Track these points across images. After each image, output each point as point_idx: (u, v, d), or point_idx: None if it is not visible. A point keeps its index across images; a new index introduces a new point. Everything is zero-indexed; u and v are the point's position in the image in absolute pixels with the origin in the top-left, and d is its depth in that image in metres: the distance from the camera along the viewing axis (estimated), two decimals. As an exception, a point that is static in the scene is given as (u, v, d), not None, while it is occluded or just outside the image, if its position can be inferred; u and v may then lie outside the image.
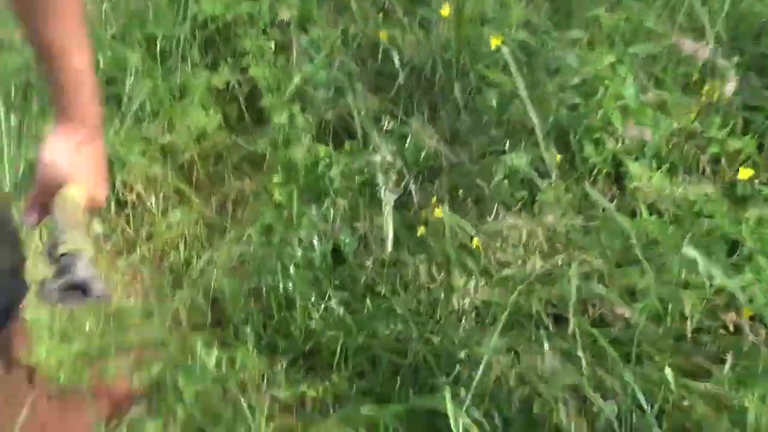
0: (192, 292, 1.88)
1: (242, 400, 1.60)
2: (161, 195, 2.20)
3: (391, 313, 1.62)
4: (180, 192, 2.21)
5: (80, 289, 0.91)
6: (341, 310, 1.66)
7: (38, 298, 0.91)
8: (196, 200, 2.21)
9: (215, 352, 1.63)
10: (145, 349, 1.76)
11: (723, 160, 1.58)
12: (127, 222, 2.18)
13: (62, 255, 0.94)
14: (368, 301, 1.66)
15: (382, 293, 1.65)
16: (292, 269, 1.75)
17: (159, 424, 1.51)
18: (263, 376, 1.76)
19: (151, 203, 2.19)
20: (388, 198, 1.54)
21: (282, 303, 1.77)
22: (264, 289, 1.85)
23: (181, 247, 2.13)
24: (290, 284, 1.75)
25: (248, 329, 1.82)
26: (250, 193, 2.20)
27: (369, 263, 1.70)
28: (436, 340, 1.50)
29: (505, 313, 1.31)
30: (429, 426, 1.50)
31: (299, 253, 1.77)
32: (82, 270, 0.92)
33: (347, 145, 2.07)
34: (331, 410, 1.63)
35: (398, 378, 1.57)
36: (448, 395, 1.25)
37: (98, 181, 1.09)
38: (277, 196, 2.09)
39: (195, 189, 2.24)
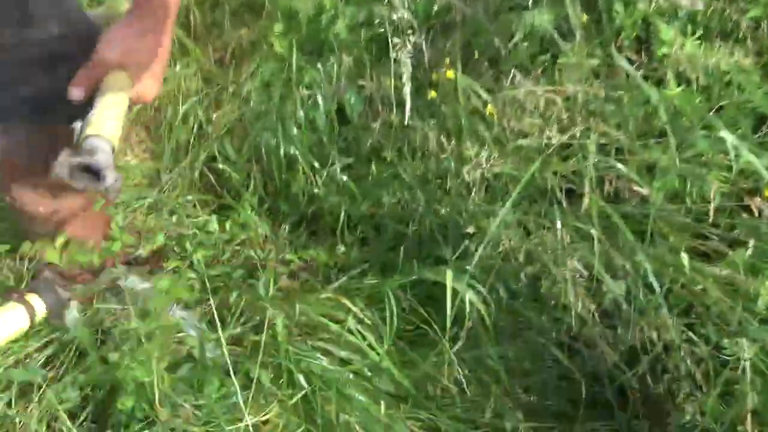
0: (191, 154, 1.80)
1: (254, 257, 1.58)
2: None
3: (397, 180, 1.56)
4: (177, 41, 2.08)
5: (94, 173, 0.90)
6: (345, 176, 1.59)
7: (50, 170, 0.90)
8: (195, 48, 2.07)
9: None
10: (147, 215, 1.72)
11: (764, 25, 1.45)
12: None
13: (88, 136, 0.92)
14: (373, 166, 1.59)
15: (388, 159, 1.57)
16: (294, 130, 1.66)
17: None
18: (266, 237, 1.73)
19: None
20: (404, 59, 1.41)
21: (283, 165, 1.70)
22: (264, 150, 1.78)
23: (180, 100, 2.03)
24: (292, 146, 1.67)
25: (249, 191, 1.77)
26: (248, 44, 2.06)
27: (375, 126, 1.61)
28: (443, 210, 1.44)
29: (518, 187, 1.23)
30: (433, 298, 1.48)
31: (301, 112, 1.67)
32: (102, 157, 0.90)
33: (353, -6, 1.92)
34: (333, 278, 1.61)
35: (402, 248, 1.53)
36: (449, 270, 1.21)
37: (152, 77, 1.05)
38: (278, 47, 1.96)
39: (192, 39, 2.10)
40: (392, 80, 1.57)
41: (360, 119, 1.67)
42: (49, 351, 1.46)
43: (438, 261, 1.45)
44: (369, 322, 1.48)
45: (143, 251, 1.46)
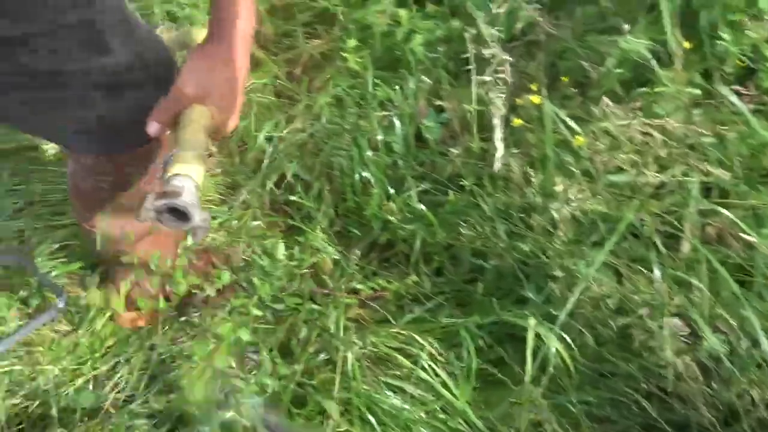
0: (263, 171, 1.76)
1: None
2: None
3: (476, 210, 1.48)
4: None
5: (181, 213, 0.89)
6: (421, 203, 1.53)
7: (136, 214, 0.90)
8: (266, 59, 2.03)
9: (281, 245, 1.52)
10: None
11: None
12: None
13: (173, 175, 0.91)
14: (451, 194, 1.51)
15: (467, 187, 1.50)
16: (368, 151, 1.60)
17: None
18: (336, 263, 1.68)
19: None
20: (491, 80, 1.33)
21: (356, 188, 1.65)
22: (336, 170, 1.72)
23: (252, 113, 1.99)
24: (366, 168, 1.61)
25: (320, 213, 1.72)
26: (321, 57, 2.01)
27: (455, 152, 1.54)
28: (526, 247, 1.36)
29: (616, 232, 1.14)
30: (510, 337, 1.41)
31: (380, 134, 1.60)
32: (187, 197, 0.89)
33: (431, 8, 1.84)
34: (406, 309, 1.55)
35: (480, 283, 1.45)
36: (532, 318, 1.12)
37: (230, 110, 1.02)
38: (351, 62, 1.90)
39: (263, 49, 2.06)
40: (473, 103, 1.49)
41: (438, 144, 1.60)
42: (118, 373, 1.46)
43: (518, 300, 1.37)
44: (443, 359, 1.42)
45: (210, 291, 1.42)
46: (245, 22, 1.00)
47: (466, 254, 1.50)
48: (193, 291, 1.43)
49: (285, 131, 1.86)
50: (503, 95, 1.33)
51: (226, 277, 1.40)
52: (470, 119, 1.55)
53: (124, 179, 1.28)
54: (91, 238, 1.41)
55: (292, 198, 1.72)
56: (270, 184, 1.76)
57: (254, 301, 1.36)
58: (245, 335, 1.25)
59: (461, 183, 1.51)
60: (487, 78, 1.47)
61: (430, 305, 1.52)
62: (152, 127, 1.01)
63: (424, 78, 1.60)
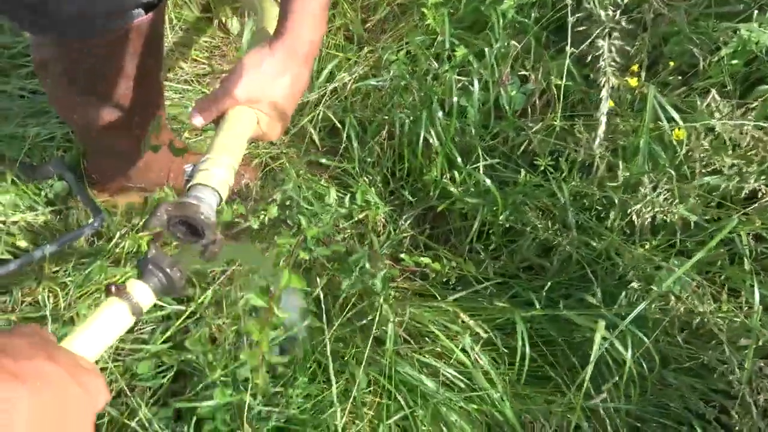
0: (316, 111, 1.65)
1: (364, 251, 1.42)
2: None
3: (547, 195, 1.36)
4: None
5: (194, 229, 0.80)
6: (488, 178, 1.41)
7: (148, 217, 0.81)
8: (342, 1, 1.91)
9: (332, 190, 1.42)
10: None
11: None
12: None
13: (197, 185, 0.83)
14: (522, 173, 1.39)
15: (542, 167, 1.37)
16: (439, 114, 1.48)
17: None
18: (384, 225, 1.58)
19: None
20: (606, 55, 1.19)
21: (418, 150, 1.53)
22: (398, 128, 1.61)
23: (319, 53, 1.88)
24: (433, 132, 1.49)
25: (375, 169, 1.61)
26: (399, 10, 1.88)
27: (534, 127, 1.41)
28: (597, 245, 1.24)
29: (707, 246, 1.02)
30: (562, 334, 1.30)
31: (455, 97, 1.48)
32: (204, 213, 0.79)
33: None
34: (452, 286, 1.44)
35: (539, 274, 1.34)
36: (601, 321, 1.01)
37: (280, 119, 0.97)
38: (429, 18, 1.77)
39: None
40: (564, 77, 1.36)
41: (515, 116, 1.47)
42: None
43: (582, 301, 1.26)
44: (488, 345, 1.32)
45: (254, 224, 1.33)
46: (314, 32, 0.94)
47: (527, 240, 1.39)
48: (237, 221, 1.34)
49: (349, 77, 1.75)
50: (613, 66, 1.19)
51: (274, 211, 1.31)
52: (555, 94, 1.42)
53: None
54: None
55: (349, 144, 1.61)
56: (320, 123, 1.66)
57: (300, 242, 1.26)
58: (297, 282, 1.15)
59: (535, 162, 1.38)
60: (605, 54, 1.32)
61: (478, 287, 1.41)
62: (195, 118, 0.96)
63: (514, 43, 1.46)
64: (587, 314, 1.18)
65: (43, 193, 1.51)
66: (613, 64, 1.17)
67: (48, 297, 1.35)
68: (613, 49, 1.16)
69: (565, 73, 1.34)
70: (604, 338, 1.14)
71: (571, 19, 1.32)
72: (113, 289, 0.72)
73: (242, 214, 1.34)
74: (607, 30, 1.18)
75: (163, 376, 1.28)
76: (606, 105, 1.13)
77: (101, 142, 1.45)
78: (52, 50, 1.19)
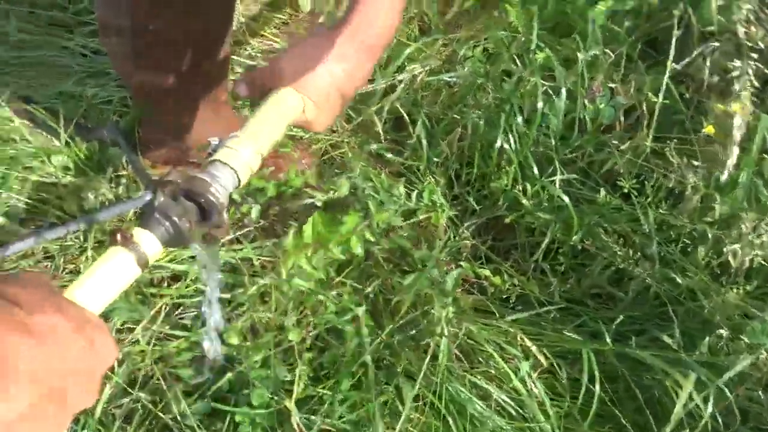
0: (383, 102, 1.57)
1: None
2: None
3: (628, 220, 1.26)
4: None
5: (199, 206, 0.71)
6: (564, 193, 1.31)
7: (155, 181, 0.69)
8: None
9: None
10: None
11: None
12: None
13: (217, 161, 0.75)
14: (602, 192, 1.30)
15: (625, 190, 1.27)
16: (518, 120, 1.39)
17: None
18: (446, 230, 1.49)
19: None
20: (741, 86, 1.09)
21: (490, 156, 1.44)
22: (469, 129, 1.52)
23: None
24: (509, 138, 1.40)
25: (441, 169, 1.53)
26: (481, 3, 1.79)
27: (619, 146, 1.31)
28: (682, 283, 1.14)
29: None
30: (634, 379, 1.20)
31: (539, 103, 1.38)
32: (217, 190, 0.71)
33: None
34: (511, 304, 1.36)
35: (610, 304, 1.25)
36: (690, 379, 0.91)
37: (330, 111, 0.88)
38: (512, 15, 1.68)
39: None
40: (661, 94, 1.26)
41: (600, 131, 1.37)
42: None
43: (655, 338, 1.16)
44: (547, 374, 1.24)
45: (320, 198, 1.25)
46: (387, 22, 0.84)
47: (598, 266, 1.30)
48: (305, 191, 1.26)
49: (420, 69, 1.66)
50: (750, 90, 1.09)
51: (345, 188, 1.23)
52: (645, 111, 1.32)
53: None
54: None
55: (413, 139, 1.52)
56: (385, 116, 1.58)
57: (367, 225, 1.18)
58: (357, 247, 1.08)
59: (618, 183, 1.29)
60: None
61: (540, 310, 1.32)
62: (239, 87, 0.90)
63: (608, 51, 1.36)
64: (661, 355, 1.09)
65: (95, 158, 1.45)
66: (749, 87, 1.07)
67: (90, 268, 1.29)
68: (750, 71, 1.06)
69: (663, 90, 1.24)
70: (679, 385, 1.05)
71: (677, 32, 1.22)
72: (119, 237, 0.64)
73: (311, 184, 1.27)
74: (744, 49, 1.08)
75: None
76: (738, 133, 1.02)
77: (158, 110, 1.39)
78: (119, 9, 1.12)
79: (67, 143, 1.43)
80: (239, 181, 0.76)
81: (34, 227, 1.36)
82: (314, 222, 1.10)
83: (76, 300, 0.59)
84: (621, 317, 1.21)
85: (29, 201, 1.37)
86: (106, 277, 0.62)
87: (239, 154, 0.76)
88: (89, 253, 1.27)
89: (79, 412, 0.52)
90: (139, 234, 0.66)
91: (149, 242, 0.66)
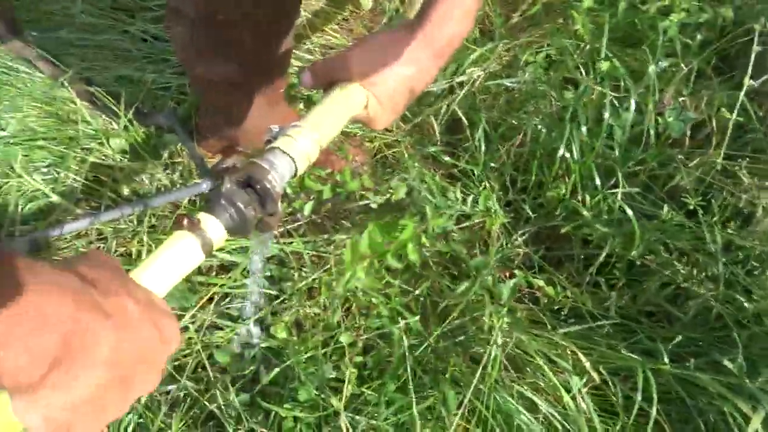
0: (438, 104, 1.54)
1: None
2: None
3: (694, 237, 1.22)
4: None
5: (256, 193, 0.69)
6: (627, 207, 1.27)
7: (216, 164, 0.68)
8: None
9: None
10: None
11: None
12: None
13: (276, 148, 0.73)
14: (665, 208, 1.26)
15: (691, 207, 1.23)
16: (582, 130, 1.35)
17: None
18: (498, 236, 1.46)
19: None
20: None
21: (547, 163, 1.41)
22: (528, 136, 1.49)
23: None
24: (573, 147, 1.37)
25: (495, 174, 1.50)
26: (544, 9, 1.76)
27: (686, 161, 1.27)
28: (749, 307, 1.10)
29: None
30: (690, 401, 1.16)
31: (606, 113, 1.34)
32: (274, 178, 0.70)
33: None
34: (564, 316, 1.32)
35: (665, 322, 1.21)
36: (758, 416, 0.87)
37: (393, 110, 0.87)
38: (578, 23, 1.64)
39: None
40: (736, 110, 1.21)
41: (666, 145, 1.33)
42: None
43: (714, 363, 1.12)
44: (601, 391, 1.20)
45: (375, 201, 1.24)
46: (458, 28, 0.83)
47: (656, 282, 1.26)
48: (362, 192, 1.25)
49: (480, 73, 1.64)
50: None
51: (402, 191, 1.22)
52: (714, 127, 1.28)
53: None
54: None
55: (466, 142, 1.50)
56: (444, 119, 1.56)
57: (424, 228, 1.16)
58: (414, 255, 1.07)
59: (684, 199, 1.25)
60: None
61: (592, 324, 1.29)
62: (305, 76, 0.89)
63: (682, 64, 1.32)
64: (722, 380, 1.05)
65: (152, 143, 1.45)
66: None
67: (142, 252, 1.29)
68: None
69: (738, 106, 1.19)
70: (739, 412, 1.01)
71: (757, 48, 1.18)
72: (186, 222, 0.63)
73: (368, 187, 1.25)
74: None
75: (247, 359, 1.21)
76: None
77: (217, 99, 1.39)
78: None
79: (125, 127, 1.43)
80: (296, 170, 0.75)
81: (89, 208, 1.36)
82: (371, 232, 1.08)
83: (142, 282, 0.59)
84: (679, 337, 1.17)
85: (86, 182, 1.38)
86: (171, 262, 0.61)
87: (299, 143, 0.75)
88: (144, 237, 1.27)
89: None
90: (206, 219, 0.65)
91: (215, 228, 0.65)
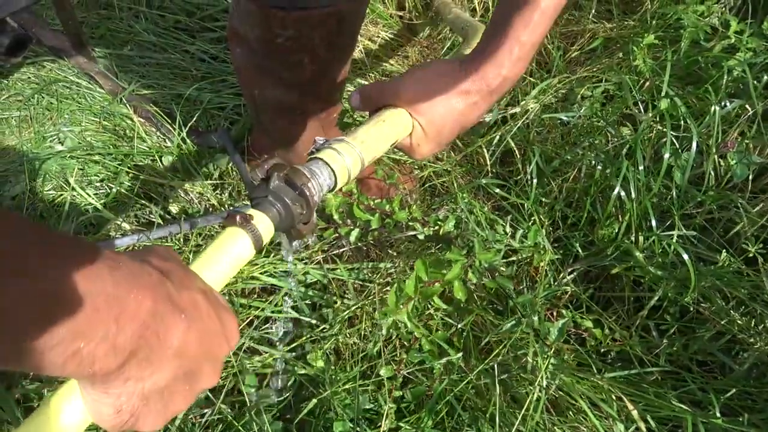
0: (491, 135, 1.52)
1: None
2: None
3: (748, 286, 1.17)
4: None
5: (299, 194, 0.68)
6: (683, 251, 1.23)
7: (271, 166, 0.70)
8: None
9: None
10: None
11: None
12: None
13: (320, 159, 0.73)
14: (723, 255, 1.21)
15: (750, 254, 1.18)
16: (639, 170, 1.31)
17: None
18: (546, 273, 1.43)
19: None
20: None
21: (599, 201, 1.38)
22: (583, 171, 1.46)
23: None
24: (630, 188, 1.33)
25: (545, 208, 1.47)
26: (605, 43, 1.72)
27: (747, 207, 1.22)
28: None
29: None
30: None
31: (666, 152, 1.30)
32: (313, 186, 0.69)
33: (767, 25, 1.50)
34: (610, 360, 1.28)
35: (717, 372, 1.15)
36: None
37: (434, 143, 0.87)
38: (639, 60, 1.61)
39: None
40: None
41: (728, 189, 1.29)
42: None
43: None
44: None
45: (423, 233, 1.22)
46: (514, 67, 0.81)
47: (710, 331, 1.20)
48: (410, 223, 1.24)
49: (535, 105, 1.61)
50: None
51: (451, 224, 1.20)
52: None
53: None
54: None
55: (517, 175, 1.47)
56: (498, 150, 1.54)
57: (471, 263, 1.14)
58: (461, 294, 1.05)
59: (743, 246, 1.19)
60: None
61: (641, 370, 1.24)
62: (354, 99, 0.89)
63: (747, 106, 1.27)
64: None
65: (203, 162, 1.47)
66: None
67: (187, 270, 1.30)
68: None
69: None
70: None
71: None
72: (238, 218, 0.63)
73: (416, 218, 1.24)
74: None
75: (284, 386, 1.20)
76: None
77: (271, 122, 1.40)
78: (253, 18, 1.13)
79: (178, 145, 1.45)
80: (336, 183, 0.75)
81: (138, 224, 1.38)
82: (417, 271, 1.07)
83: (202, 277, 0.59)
84: (733, 390, 1.11)
85: (137, 198, 1.40)
86: (226, 258, 0.62)
87: (342, 157, 0.75)
88: (190, 257, 1.28)
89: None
90: (256, 216, 0.65)
91: (264, 224, 0.65)
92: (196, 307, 0.50)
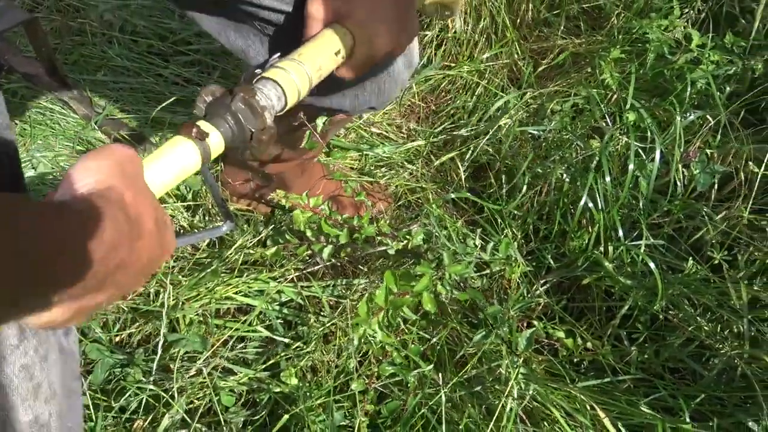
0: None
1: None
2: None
3: (718, 293, 1.19)
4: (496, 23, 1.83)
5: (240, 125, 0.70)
6: (650, 260, 1.25)
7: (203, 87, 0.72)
8: (512, 39, 1.80)
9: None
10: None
11: None
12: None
13: (264, 77, 0.75)
14: (690, 263, 1.23)
15: (716, 261, 1.20)
16: (606, 179, 1.33)
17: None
18: (518, 285, 1.44)
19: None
20: None
21: (570, 213, 1.40)
22: (553, 185, 1.48)
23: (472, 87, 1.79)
24: (595, 197, 1.35)
25: (516, 221, 1.49)
26: (572, 58, 1.76)
27: (712, 214, 1.24)
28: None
29: None
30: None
31: (631, 165, 1.33)
32: (262, 100, 0.72)
33: (729, 38, 1.54)
34: (583, 368, 1.29)
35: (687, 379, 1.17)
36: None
37: (378, 20, 0.82)
38: (606, 74, 1.64)
39: (513, 28, 1.83)
40: (764, 163, 1.19)
41: (691, 197, 1.31)
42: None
43: (739, 424, 1.08)
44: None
45: (393, 247, 1.23)
46: None
47: (679, 338, 1.22)
48: (379, 238, 1.25)
49: (507, 119, 1.63)
50: None
51: (420, 238, 1.21)
52: (742, 181, 1.26)
53: None
54: None
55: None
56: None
57: (441, 275, 1.15)
58: (429, 305, 1.06)
59: (709, 253, 1.22)
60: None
61: (613, 378, 1.25)
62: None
63: (708, 117, 1.30)
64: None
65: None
66: None
67: (159, 292, 1.30)
68: None
69: (766, 160, 1.17)
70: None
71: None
72: (194, 131, 0.65)
73: (384, 233, 1.25)
74: None
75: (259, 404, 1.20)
76: None
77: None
78: None
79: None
80: (286, 101, 0.76)
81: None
82: (386, 282, 1.08)
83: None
84: (702, 395, 1.13)
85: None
86: (172, 165, 0.64)
87: (288, 74, 0.76)
88: (163, 278, 1.28)
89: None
90: (208, 129, 0.68)
91: (216, 138, 0.68)
92: (149, 235, 0.53)
